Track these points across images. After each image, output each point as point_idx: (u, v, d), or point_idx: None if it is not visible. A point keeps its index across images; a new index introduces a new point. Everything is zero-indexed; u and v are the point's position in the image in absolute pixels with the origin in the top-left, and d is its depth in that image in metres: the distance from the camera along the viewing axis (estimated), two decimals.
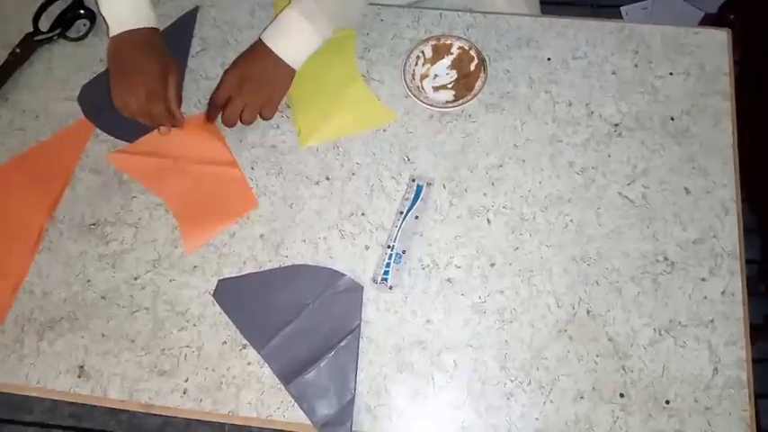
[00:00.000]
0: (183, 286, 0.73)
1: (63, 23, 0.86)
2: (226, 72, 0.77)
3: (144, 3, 0.77)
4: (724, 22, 1.21)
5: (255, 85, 0.76)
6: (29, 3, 0.88)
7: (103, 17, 0.77)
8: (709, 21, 1.34)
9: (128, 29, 0.75)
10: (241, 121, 0.78)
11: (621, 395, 0.67)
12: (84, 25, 0.86)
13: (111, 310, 0.73)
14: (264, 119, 0.79)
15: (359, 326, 0.71)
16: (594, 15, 1.57)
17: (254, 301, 0.73)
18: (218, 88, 0.77)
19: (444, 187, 0.77)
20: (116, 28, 0.76)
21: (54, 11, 0.87)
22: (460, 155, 0.78)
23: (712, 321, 0.69)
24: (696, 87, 0.79)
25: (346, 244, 0.75)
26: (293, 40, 0.76)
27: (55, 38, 0.86)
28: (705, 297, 0.70)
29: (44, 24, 0.86)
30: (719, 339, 0.68)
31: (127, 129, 0.81)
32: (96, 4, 0.78)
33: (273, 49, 0.75)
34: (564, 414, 0.66)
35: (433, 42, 0.81)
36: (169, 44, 0.85)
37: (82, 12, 0.86)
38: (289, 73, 0.77)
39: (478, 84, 0.78)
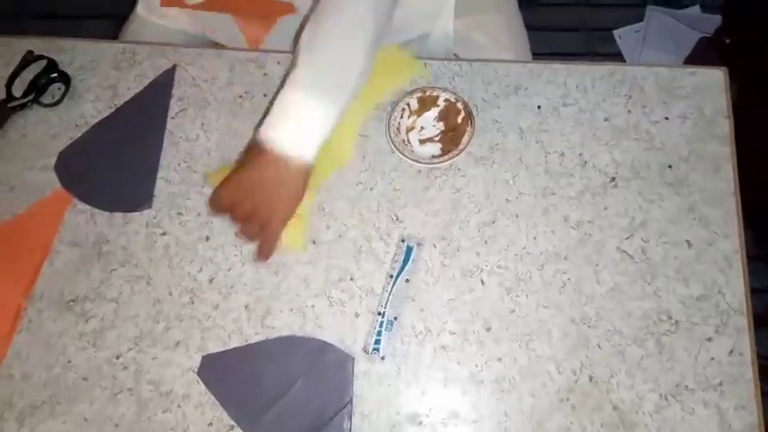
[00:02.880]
0: (165, 364, 0.70)
1: (37, 89, 0.83)
2: (220, 196, 0.67)
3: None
4: (720, 45, 1.18)
5: (265, 204, 0.66)
6: (1, 68, 0.86)
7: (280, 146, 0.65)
8: (705, 44, 1.31)
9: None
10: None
11: None
12: (59, 89, 0.84)
13: (93, 393, 0.70)
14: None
15: (351, 401, 0.68)
16: (587, 40, 1.55)
17: (241, 378, 0.70)
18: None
19: (435, 247, 0.74)
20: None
21: (27, 75, 0.84)
22: (451, 212, 0.75)
23: (720, 384, 0.66)
24: (694, 132, 0.76)
25: (335, 311, 0.72)
26: (301, 125, 0.64)
27: (29, 104, 0.83)
28: (712, 358, 0.67)
29: (18, 90, 0.84)
30: (729, 404, 0.65)
31: (106, 197, 0.78)
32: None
33: (277, 147, 0.64)
34: None
35: (419, 94, 0.79)
36: (147, 105, 0.83)
37: (55, 75, 0.83)
38: (305, 173, 0.67)
39: (465, 138, 0.75)
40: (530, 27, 1.01)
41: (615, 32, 1.51)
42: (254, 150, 0.67)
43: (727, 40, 1.14)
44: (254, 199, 0.67)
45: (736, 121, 0.76)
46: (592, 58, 1.50)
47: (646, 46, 1.45)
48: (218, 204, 0.68)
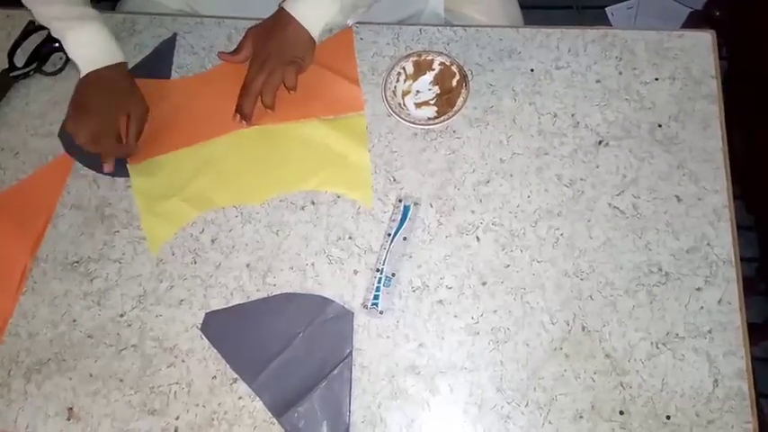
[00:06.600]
0: (169, 321, 0.72)
1: (39, 58, 0.85)
2: (245, 40, 0.80)
3: (109, 40, 0.77)
4: (710, 18, 1.20)
5: (277, 54, 0.76)
6: (3, 39, 0.87)
7: (73, 60, 0.77)
8: (696, 18, 1.32)
9: (95, 68, 0.76)
10: (262, 100, 0.78)
11: (621, 412, 0.65)
12: (61, 59, 0.85)
13: (98, 350, 0.72)
14: (288, 88, 0.78)
15: (350, 353, 0.69)
16: (579, 17, 1.57)
17: (243, 333, 0.71)
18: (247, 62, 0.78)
19: (432, 206, 0.75)
20: (85, 68, 0.76)
21: (29, 45, 0.86)
22: (447, 172, 0.77)
23: (710, 332, 0.67)
24: (683, 92, 0.78)
25: (334, 269, 0.74)
26: (312, 5, 0.76)
27: (31, 73, 0.85)
28: (702, 307, 0.68)
29: (19, 60, 0.85)
30: (718, 350, 0.67)
31: None
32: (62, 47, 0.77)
33: (293, 15, 0.76)
34: None
35: (414, 58, 0.80)
36: (148, 74, 0.84)
37: (57, 45, 0.85)
38: (309, 41, 0.78)
39: (460, 100, 0.77)
40: (522, 5, 1.02)
41: (608, 9, 1.53)
42: (277, 13, 0.78)
43: (717, 13, 1.16)
44: (272, 46, 0.77)
45: (727, 93, 0.77)
46: None
47: (638, 23, 1.47)
48: (241, 46, 0.80)
